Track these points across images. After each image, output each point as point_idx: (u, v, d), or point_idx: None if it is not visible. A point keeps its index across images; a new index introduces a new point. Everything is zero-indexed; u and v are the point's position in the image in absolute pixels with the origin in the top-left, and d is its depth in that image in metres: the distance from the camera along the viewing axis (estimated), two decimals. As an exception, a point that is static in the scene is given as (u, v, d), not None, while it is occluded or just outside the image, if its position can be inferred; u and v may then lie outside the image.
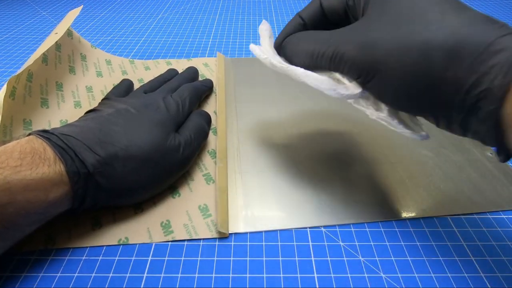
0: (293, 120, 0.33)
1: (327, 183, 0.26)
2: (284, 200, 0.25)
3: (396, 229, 0.23)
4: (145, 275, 0.20)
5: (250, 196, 0.25)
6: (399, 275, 0.20)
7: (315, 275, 0.20)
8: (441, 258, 0.21)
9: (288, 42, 0.24)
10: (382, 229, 0.23)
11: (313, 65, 0.22)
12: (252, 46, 0.26)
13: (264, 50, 0.25)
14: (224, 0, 0.69)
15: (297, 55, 0.23)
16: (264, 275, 0.20)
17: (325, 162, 0.28)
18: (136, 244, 0.22)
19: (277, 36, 0.25)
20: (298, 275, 0.20)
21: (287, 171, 0.27)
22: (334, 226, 0.23)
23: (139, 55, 0.45)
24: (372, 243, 0.22)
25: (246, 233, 0.23)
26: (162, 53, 0.47)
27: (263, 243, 0.22)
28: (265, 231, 0.23)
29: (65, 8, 0.62)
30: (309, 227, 0.23)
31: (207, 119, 0.30)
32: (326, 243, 0.22)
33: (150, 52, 0.47)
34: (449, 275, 0.20)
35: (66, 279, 0.20)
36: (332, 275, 0.20)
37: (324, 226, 0.23)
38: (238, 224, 0.23)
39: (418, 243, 0.22)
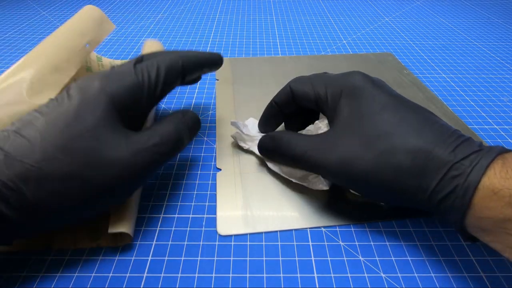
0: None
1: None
2: (284, 200, 0.25)
3: (396, 229, 0.23)
4: (145, 275, 0.20)
5: (250, 197, 0.25)
6: (399, 275, 0.20)
7: (315, 275, 0.20)
8: (441, 258, 0.21)
9: (263, 142, 0.26)
10: (382, 229, 0.23)
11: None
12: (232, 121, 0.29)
13: (244, 136, 0.29)
14: (224, 0, 0.69)
15: (271, 154, 0.26)
16: (264, 275, 0.20)
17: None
18: (136, 243, 0.22)
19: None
20: (298, 275, 0.20)
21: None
22: (334, 226, 0.23)
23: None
24: (372, 243, 0.22)
25: (246, 233, 0.23)
26: (162, 53, 0.47)
27: (263, 243, 0.22)
28: (265, 232, 0.23)
29: (65, 8, 0.62)
30: (309, 227, 0.23)
31: (189, 123, 0.23)
32: (326, 243, 0.22)
33: (150, 52, 0.47)
34: (449, 275, 0.20)
35: (66, 279, 0.20)
36: (332, 275, 0.20)
37: (324, 226, 0.23)
38: (238, 225, 0.23)
39: (418, 243, 0.22)
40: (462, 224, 0.18)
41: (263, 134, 0.28)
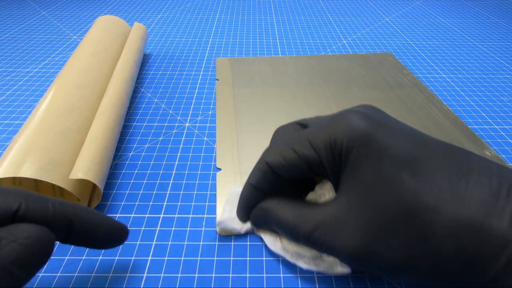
0: (292, 120, 0.33)
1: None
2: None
3: (396, 229, 0.23)
4: (145, 275, 0.20)
5: (250, 196, 0.25)
6: (399, 275, 0.20)
7: (315, 275, 0.20)
8: (441, 258, 0.21)
9: (256, 216, 0.21)
10: (382, 229, 0.23)
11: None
12: (219, 221, 0.22)
13: (231, 219, 0.22)
14: (224, 0, 0.69)
15: (268, 228, 0.21)
16: (264, 275, 0.20)
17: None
18: (136, 243, 0.22)
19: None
20: (298, 275, 0.20)
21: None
22: (334, 226, 0.23)
23: (139, 55, 0.45)
24: (372, 243, 0.22)
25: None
26: (161, 54, 0.47)
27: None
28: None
29: (65, 8, 0.62)
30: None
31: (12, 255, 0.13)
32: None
33: (150, 53, 0.47)
34: (449, 275, 0.20)
35: (66, 279, 0.20)
36: (332, 275, 0.20)
37: (324, 226, 0.23)
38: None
39: (418, 243, 0.22)
40: None
41: (247, 225, 0.22)
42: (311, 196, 0.21)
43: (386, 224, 0.16)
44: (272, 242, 0.21)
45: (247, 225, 0.22)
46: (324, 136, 0.18)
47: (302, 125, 0.21)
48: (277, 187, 0.20)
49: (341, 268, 0.18)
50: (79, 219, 0.16)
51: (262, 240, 0.22)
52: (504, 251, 0.13)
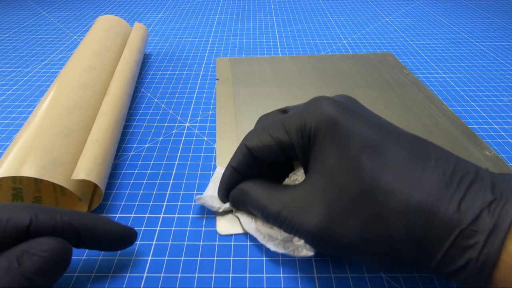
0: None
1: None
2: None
3: (396, 229, 0.23)
4: (145, 275, 0.20)
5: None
6: (399, 275, 0.20)
7: (315, 275, 0.20)
8: (441, 258, 0.21)
9: (234, 196, 0.22)
10: (382, 229, 0.23)
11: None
12: (199, 196, 0.23)
13: (211, 197, 0.24)
14: (224, 0, 0.69)
15: (245, 208, 0.22)
16: (264, 275, 0.20)
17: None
18: (136, 243, 0.22)
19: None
20: (298, 275, 0.20)
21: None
22: (334, 226, 0.23)
23: (139, 55, 0.45)
24: (372, 243, 0.22)
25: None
26: (161, 54, 0.47)
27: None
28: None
29: (65, 8, 0.62)
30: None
31: (30, 269, 0.14)
32: (326, 243, 0.22)
33: (150, 53, 0.47)
34: (449, 275, 0.20)
35: (66, 279, 0.20)
36: (332, 275, 0.20)
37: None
38: (238, 224, 0.23)
39: (418, 243, 0.22)
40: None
41: (226, 205, 0.23)
42: (286, 181, 0.22)
43: (344, 205, 0.16)
44: (247, 222, 0.22)
45: (226, 205, 0.23)
46: (296, 120, 0.19)
47: (282, 111, 0.22)
48: (256, 170, 0.21)
49: (305, 251, 0.19)
50: (86, 228, 0.17)
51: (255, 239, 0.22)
52: (448, 235, 0.14)
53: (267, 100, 0.36)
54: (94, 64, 0.32)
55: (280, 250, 0.20)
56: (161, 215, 0.24)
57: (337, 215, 0.17)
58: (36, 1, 0.65)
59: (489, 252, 0.13)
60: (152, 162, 0.28)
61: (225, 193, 0.23)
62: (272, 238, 0.21)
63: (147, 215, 0.24)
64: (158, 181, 0.27)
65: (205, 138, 0.31)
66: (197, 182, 0.27)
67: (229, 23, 0.58)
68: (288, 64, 0.43)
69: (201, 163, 0.29)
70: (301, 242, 0.19)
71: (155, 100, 0.37)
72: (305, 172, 0.20)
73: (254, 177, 0.21)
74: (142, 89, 0.38)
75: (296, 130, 0.19)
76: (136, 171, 0.28)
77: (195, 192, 0.26)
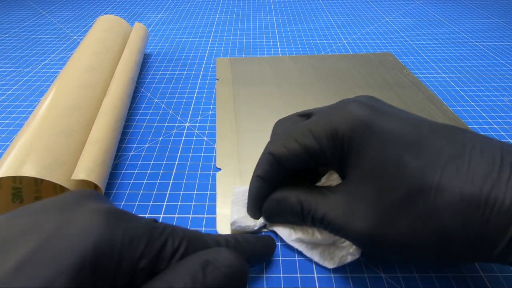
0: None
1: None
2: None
3: (396, 229, 0.23)
4: (145, 275, 0.20)
5: (250, 196, 0.25)
6: (399, 275, 0.20)
7: (315, 275, 0.20)
8: (441, 258, 0.21)
9: (268, 209, 0.21)
10: (382, 229, 0.23)
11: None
12: (232, 221, 0.22)
13: (243, 218, 0.22)
14: (224, 0, 0.69)
15: (282, 220, 0.21)
16: (264, 275, 0.20)
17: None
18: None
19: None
20: (298, 275, 0.20)
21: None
22: (334, 226, 0.23)
23: (139, 55, 0.45)
24: (372, 243, 0.22)
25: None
26: (161, 54, 0.47)
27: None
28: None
29: (65, 8, 0.62)
30: (309, 227, 0.23)
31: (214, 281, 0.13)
32: (326, 243, 0.22)
33: (150, 53, 0.47)
34: (449, 275, 0.20)
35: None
36: (332, 275, 0.20)
37: (324, 226, 0.23)
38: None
39: (418, 243, 0.22)
40: None
41: (260, 221, 0.22)
42: (323, 182, 0.21)
43: (393, 205, 0.16)
44: (287, 234, 0.21)
45: (260, 221, 0.22)
46: (325, 125, 0.18)
47: (301, 116, 0.22)
48: (283, 179, 0.20)
49: (351, 257, 0.19)
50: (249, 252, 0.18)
51: (276, 234, 0.22)
52: (504, 220, 0.14)
53: (267, 100, 0.36)
54: (94, 64, 0.32)
55: (327, 264, 0.20)
56: (161, 215, 0.24)
57: (387, 217, 0.16)
58: (36, 1, 0.65)
59: None
60: (152, 162, 0.28)
61: (256, 207, 0.21)
62: (315, 246, 0.20)
63: (147, 215, 0.24)
64: (158, 181, 0.27)
65: (205, 138, 0.31)
66: (197, 182, 0.27)
67: (229, 23, 0.58)
68: (288, 64, 0.43)
69: (201, 163, 0.29)
70: (345, 243, 0.19)
71: (155, 100, 0.37)
72: (341, 177, 0.19)
73: (282, 186, 0.20)
74: (142, 89, 0.38)
75: (327, 136, 0.18)
76: (136, 171, 0.28)
77: (195, 192, 0.26)
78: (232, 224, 0.22)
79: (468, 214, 0.14)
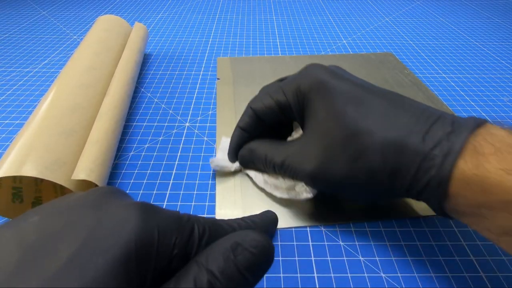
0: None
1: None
2: (283, 199, 0.25)
3: (396, 229, 0.23)
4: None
5: (249, 196, 0.25)
6: (399, 275, 0.20)
7: (315, 274, 0.20)
8: (441, 258, 0.21)
9: (242, 155, 0.25)
10: (382, 229, 0.23)
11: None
12: (212, 160, 0.27)
13: (223, 160, 0.27)
14: (224, 0, 0.69)
15: (253, 166, 0.25)
16: (264, 275, 0.20)
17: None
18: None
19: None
20: (298, 275, 0.20)
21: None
22: (334, 225, 0.23)
23: (139, 55, 0.45)
24: (372, 243, 0.22)
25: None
26: (161, 54, 0.47)
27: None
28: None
29: (65, 8, 0.62)
30: (309, 226, 0.23)
31: (244, 263, 0.13)
32: (326, 243, 0.22)
33: (150, 53, 0.47)
34: (449, 274, 0.20)
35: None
36: (332, 275, 0.20)
37: (324, 226, 0.23)
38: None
39: (418, 243, 0.22)
40: (441, 211, 0.18)
41: (236, 164, 0.26)
42: (288, 139, 0.25)
43: (333, 147, 0.20)
44: (256, 175, 0.25)
45: (236, 164, 0.26)
46: (292, 84, 0.22)
47: (280, 80, 0.25)
48: (261, 131, 0.25)
49: (305, 194, 0.23)
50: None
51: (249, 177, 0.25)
52: (415, 160, 0.17)
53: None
54: (95, 64, 0.32)
55: (284, 196, 0.24)
56: (161, 215, 0.24)
57: (329, 157, 0.20)
58: (36, 1, 0.65)
59: (444, 170, 0.16)
60: (152, 162, 0.28)
61: (234, 152, 0.26)
62: (277, 187, 0.24)
63: (147, 215, 0.24)
64: (158, 181, 0.27)
65: (205, 138, 0.31)
66: (197, 182, 0.27)
67: (230, 23, 0.58)
68: (289, 64, 0.43)
69: (201, 163, 0.29)
70: (302, 188, 0.23)
71: (155, 100, 0.37)
72: (302, 129, 0.23)
73: (258, 138, 0.25)
74: (142, 89, 0.38)
75: (292, 92, 0.22)
76: (136, 171, 0.28)
77: (195, 192, 0.26)
78: (211, 162, 0.26)
79: (388, 154, 0.18)
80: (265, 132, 0.25)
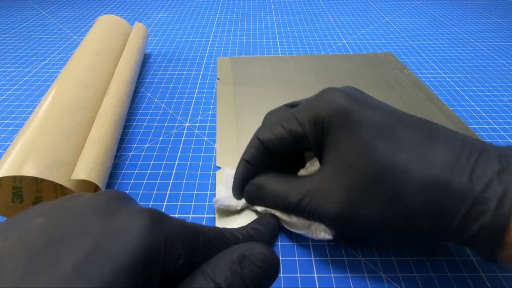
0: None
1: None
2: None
3: (396, 229, 0.23)
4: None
5: (250, 196, 0.25)
6: (399, 275, 0.20)
7: (315, 275, 0.20)
8: (441, 258, 0.21)
9: (249, 192, 0.22)
10: (382, 229, 0.23)
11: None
12: (215, 199, 0.23)
13: (227, 198, 0.23)
14: (224, 0, 0.69)
15: (261, 203, 0.22)
16: None
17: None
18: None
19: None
20: (298, 275, 0.20)
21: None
22: (334, 226, 0.23)
23: (139, 55, 0.45)
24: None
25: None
26: (161, 54, 0.47)
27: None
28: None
29: (65, 8, 0.62)
30: (309, 227, 0.23)
31: (249, 277, 0.13)
32: (326, 243, 0.22)
33: (150, 53, 0.47)
34: (449, 275, 0.20)
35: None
36: (332, 275, 0.20)
37: (324, 226, 0.23)
38: (237, 223, 0.23)
39: (418, 243, 0.22)
40: (491, 259, 0.16)
41: (242, 202, 0.23)
42: (302, 173, 0.22)
43: (362, 187, 0.17)
44: (265, 211, 0.22)
45: (242, 202, 0.23)
46: (308, 112, 0.20)
47: (290, 106, 0.23)
48: (269, 164, 0.22)
49: (323, 234, 0.20)
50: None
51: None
52: (463, 203, 0.15)
53: (267, 99, 0.36)
54: (96, 64, 0.32)
55: (299, 231, 0.21)
56: (161, 215, 0.24)
57: (357, 198, 0.17)
58: (36, 1, 0.65)
59: (500, 216, 0.15)
60: (152, 162, 0.28)
61: (240, 189, 0.23)
62: (290, 224, 0.21)
63: (147, 215, 0.24)
64: (158, 181, 0.27)
65: (205, 138, 0.31)
66: (197, 182, 0.27)
67: (230, 23, 0.58)
68: (289, 64, 0.43)
69: (201, 163, 0.29)
70: (320, 227, 0.20)
71: (155, 100, 0.37)
72: (320, 162, 0.20)
73: (267, 171, 0.22)
74: (142, 89, 0.38)
75: (309, 121, 0.19)
76: (136, 171, 0.28)
77: (195, 192, 0.26)
78: (215, 202, 0.23)
79: (428, 195, 0.16)
80: (272, 164, 0.22)
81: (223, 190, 0.24)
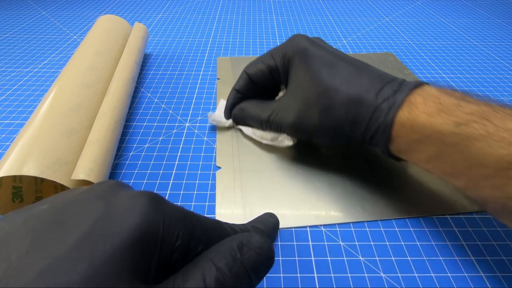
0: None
1: (326, 182, 0.26)
2: (284, 199, 0.25)
3: (396, 229, 0.23)
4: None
5: (249, 195, 0.25)
6: (399, 275, 0.20)
7: (315, 274, 0.20)
8: (441, 258, 0.21)
9: (235, 114, 0.29)
10: (382, 229, 0.23)
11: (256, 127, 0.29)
12: (210, 114, 0.32)
13: (219, 116, 0.32)
14: (224, 0, 0.69)
15: (244, 122, 0.30)
16: (265, 276, 0.20)
17: (325, 161, 0.28)
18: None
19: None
20: (298, 275, 0.20)
21: (287, 170, 0.27)
22: (334, 225, 0.23)
23: (139, 55, 0.45)
24: (372, 243, 0.22)
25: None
26: (161, 54, 0.47)
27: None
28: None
29: (65, 8, 0.62)
30: (309, 227, 0.23)
31: (250, 264, 0.14)
32: (326, 243, 0.22)
33: (150, 53, 0.47)
34: (449, 274, 0.20)
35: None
36: (332, 275, 0.20)
37: (324, 226, 0.23)
38: (236, 221, 0.23)
39: (418, 243, 0.22)
40: (388, 152, 0.22)
41: (230, 121, 0.31)
42: (276, 99, 0.28)
43: (309, 103, 0.24)
44: (245, 129, 0.30)
45: (230, 121, 0.31)
46: (280, 50, 0.27)
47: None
48: (253, 93, 0.29)
49: (287, 142, 0.28)
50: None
51: None
52: (369, 112, 0.22)
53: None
54: (96, 64, 0.32)
55: (269, 143, 0.29)
56: (161, 215, 0.24)
57: (305, 110, 0.24)
58: (36, 1, 0.65)
59: (388, 118, 0.21)
60: (152, 162, 0.28)
61: (229, 111, 0.30)
62: (263, 137, 0.29)
63: (147, 215, 0.24)
64: (158, 181, 0.27)
65: (205, 138, 0.31)
66: (197, 182, 0.27)
67: (230, 23, 0.58)
68: (288, 64, 0.43)
69: (201, 163, 0.29)
70: (284, 137, 0.28)
71: (155, 100, 0.37)
72: (286, 89, 0.27)
73: (250, 98, 0.29)
74: (142, 89, 0.38)
75: (279, 57, 0.26)
76: (136, 171, 0.28)
77: (195, 192, 0.26)
78: (210, 116, 0.32)
79: (349, 107, 0.22)
80: (257, 94, 0.29)
81: (218, 112, 0.32)
